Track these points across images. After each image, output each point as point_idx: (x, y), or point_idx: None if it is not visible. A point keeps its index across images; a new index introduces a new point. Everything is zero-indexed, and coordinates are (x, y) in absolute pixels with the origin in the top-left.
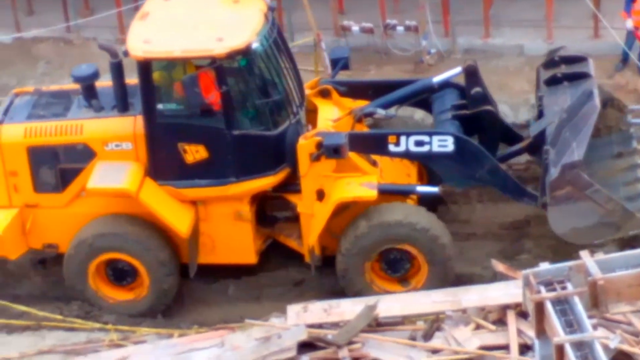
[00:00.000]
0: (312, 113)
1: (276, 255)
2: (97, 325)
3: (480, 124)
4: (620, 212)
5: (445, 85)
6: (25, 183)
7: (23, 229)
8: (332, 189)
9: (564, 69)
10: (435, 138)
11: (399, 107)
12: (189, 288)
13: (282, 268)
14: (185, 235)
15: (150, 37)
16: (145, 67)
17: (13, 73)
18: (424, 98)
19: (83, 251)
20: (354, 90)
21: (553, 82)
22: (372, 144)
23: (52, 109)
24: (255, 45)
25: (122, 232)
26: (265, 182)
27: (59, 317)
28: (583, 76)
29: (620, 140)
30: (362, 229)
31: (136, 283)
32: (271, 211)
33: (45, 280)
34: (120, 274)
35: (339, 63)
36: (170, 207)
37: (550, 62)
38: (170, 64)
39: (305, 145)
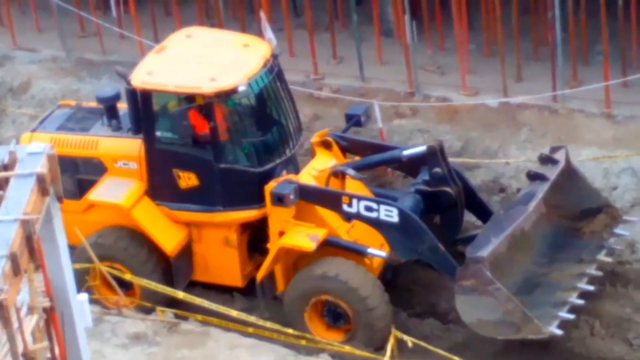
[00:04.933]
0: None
1: None
2: None
3: (440, 203)
4: (520, 314)
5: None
6: None
7: None
8: (287, 233)
9: (549, 168)
10: (382, 207)
11: (371, 171)
12: None
13: None
14: (169, 253)
15: (154, 70)
16: (144, 96)
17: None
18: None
19: (83, 258)
20: (355, 147)
21: (529, 177)
22: (326, 200)
23: (81, 123)
24: (242, 88)
25: (115, 243)
26: (249, 214)
27: None
28: (542, 178)
29: (593, 247)
30: (299, 275)
31: (131, 291)
32: (263, 241)
33: None
34: (118, 281)
35: (352, 120)
36: (160, 226)
37: (541, 158)
38: (182, 97)
39: (270, 187)
